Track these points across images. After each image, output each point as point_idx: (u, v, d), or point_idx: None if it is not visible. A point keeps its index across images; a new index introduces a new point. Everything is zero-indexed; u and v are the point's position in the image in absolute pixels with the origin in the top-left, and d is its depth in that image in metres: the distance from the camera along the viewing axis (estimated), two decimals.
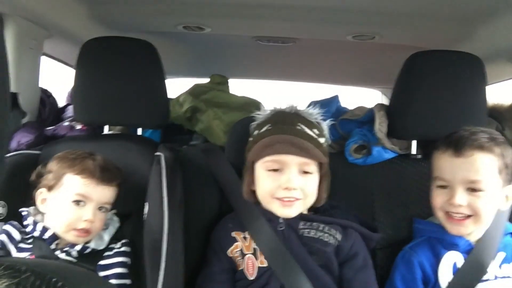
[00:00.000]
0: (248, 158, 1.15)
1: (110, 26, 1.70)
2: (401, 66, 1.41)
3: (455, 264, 1.14)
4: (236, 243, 1.15)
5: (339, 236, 1.13)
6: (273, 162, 1.10)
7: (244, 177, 1.18)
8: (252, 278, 1.11)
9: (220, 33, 1.82)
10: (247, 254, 1.13)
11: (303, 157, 1.08)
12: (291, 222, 1.13)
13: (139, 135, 1.48)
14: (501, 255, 1.15)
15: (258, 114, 1.21)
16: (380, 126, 1.39)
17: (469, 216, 1.10)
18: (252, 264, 1.12)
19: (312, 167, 1.11)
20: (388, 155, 1.39)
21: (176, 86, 2.24)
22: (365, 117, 1.49)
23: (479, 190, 1.08)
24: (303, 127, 1.11)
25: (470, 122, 1.25)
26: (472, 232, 1.14)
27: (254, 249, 1.12)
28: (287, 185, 1.08)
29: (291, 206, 1.11)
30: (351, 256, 1.13)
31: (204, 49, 2.14)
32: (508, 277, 1.13)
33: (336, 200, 1.19)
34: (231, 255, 1.14)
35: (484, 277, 1.11)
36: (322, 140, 1.14)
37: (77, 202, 1.07)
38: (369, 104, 1.57)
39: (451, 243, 1.16)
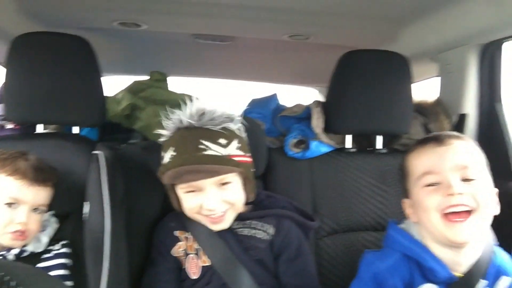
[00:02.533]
0: (164, 181, 1.11)
1: (42, 21, 1.62)
2: (334, 65, 1.49)
3: None
4: (179, 243, 1.15)
5: (272, 231, 1.15)
6: (188, 186, 1.09)
7: (169, 195, 1.16)
8: (195, 278, 1.12)
9: (158, 30, 1.80)
10: (190, 254, 1.13)
11: (214, 177, 1.07)
12: None
13: (75, 134, 1.43)
14: (482, 284, 0.97)
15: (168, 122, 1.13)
16: (317, 121, 1.46)
17: (470, 212, 0.94)
18: (195, 264, 1.13)
19: (229, 177, 1.09)
20: (325, 149, 1.46)
21: (113, 84, 2.17)
22: (303, 114, 1.55)
23: (472, 179, 0.96)
24: (208, 144, 1.05)
25: (398, 117, 1.35)
26: (472, 237, 0.95)
27: (197, 249, 1.13)
28: (208, 207, 1.08)
29: (222, 220, 1.11)
30: (284, 248, 1.16)
31: (141, 46, 2.10)
32: None
33: (279, 193, 1.23)
34: (176, 255, 1.14)
35: None
36: (232, 146, 1.08)
37: (10, 204, 1.02)
38: (307, 101, 1.63)
39: (430, 270, 0.97)
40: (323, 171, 1.43)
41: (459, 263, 0.97)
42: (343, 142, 1.51)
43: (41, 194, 1.06)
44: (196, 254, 1.13)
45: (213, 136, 1.07)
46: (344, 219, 1.39)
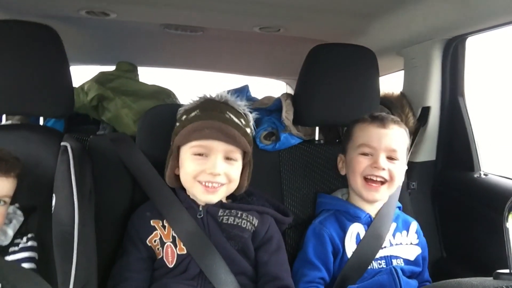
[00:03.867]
0: (175, 142, 1.14)
1: (7, 9, 1.57)
2: (304, 58, 1.51)
3: (358, 235, 1.27)
4: (155, 232, 1.15)
5: (255, 222, 1.18)
6: (199, 147, 1.11)
7: (167, 161, 1.18)
8: (171, 266, 1.12)
9: (127, 19, 1.76)
10: (167, 243, 1.14)
11: (229, 144, 1.11)
12: (210, 210, 1.16)
13: (42, 125, 1.40)
14: (393, 225, 1.32)
15: (175, 102, 1.21)
16: (287, 114, 1.48)
17: (384, 183, 1.26)
18: (171, 251, 1.13)
19: (237, 154, 1.14)
20: (295, 141, 1.48)
21: (80, 75, 2.12)
22: (273, 106, 1.57)
23: (395, 159, 1.26)
24: (231, 115, 1.13)
25: (365, 109, 1.39)
26: (380, 199, 1.30)
27: (173, 237, 1.13)
28: (212, 171, 1.10)
29: (214, 192, 1.14)
30: (266, 240, 1.19)
31: (110, 36, 2.06)
32: (400, 243, 1.31)
33: (250, 184, 1.24)
34: (150, 244, 1.14)
35: (382, 245, 1.27)
36: (248, 130, 1.18)
37: None
38: (274, 94, 1.65)
39: (354, 216, 1.30)
40: (292, 162, 1.46)
41: (373, 211, 1.31)
42: (312, 134, 1.54)
43: (4, 185, 1.03)
44: (173, 242, 1.13)
45: (236, 114, 1.16)
46: (311, 209, 1.42)
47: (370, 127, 1.29)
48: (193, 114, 1.14)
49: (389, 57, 1.82)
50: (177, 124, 1.18)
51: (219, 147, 1.11)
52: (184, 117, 1.16)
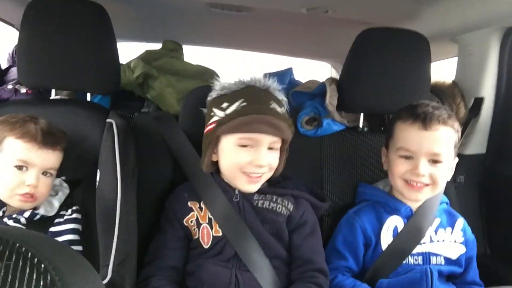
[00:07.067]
0: (218, 131, 1.11)
1: None
2: (351, 41, 1.45)
3: (396, 228, 1.23)
4: (192, 213, 1.16)
5: (290, 207, 1.17)
6: (247, 139, 1.10)
7: (205, 148, 1.16)
8: (207, 247, 1.14)
9: None
10: (203, 224, 1.15)
11: (276, 137, 1.11)
12: (246, 194, 1.16)
13: (89, 101, 1.43)
14: (436, 221, 1.26)
15: (218, 83, 1.17)
16: (331, 99, 1.44)
17: (427, 185, 1.19)
18: (207, 233, 1.14)
19: (278, 143, 1.14)
20: (337, 127, 1.45)
21: (127, 51, 2.16)
22: (316, 90, 1.53)
23: (439, 162, 1.17)
24: (275, 105, 1.11)
25: (414, 98, 1.33)
26: (423, 199, 1.24)
27: (210, 219, 1.14)
28: (259, 163, 1.10)
29: (258, 182, 1.14)
30: (301, 224, 1.19)
31: (156, 14, 2.07)
32: (443, 240, 1.25)
33: (288, 169, 1.23)
34: (187, 224, 1.16)
35: (421, 241, 1.22)
36: (287, 117, 1.16)
37: (19, 167, 1.03)
38: (318, 77, 1.61)
39: (393, 208, 1.26)
40: (334, 149, 1.43)
41: (415, 204, 1.25)
42: (356, 121, 1.50)
43: (50, 158, 1.07)
44: (209, 223, 1.15)
45: (279, 103, 1.14)
46: (351, 197, 1.40)
47: (411, 128, 1.19)
48: (237, 104, 1.10)
49: (442, 44, 1.73)
50: (215, 110, 1.13)
51: (266, 139, 1.10)
52: (225, 104, 1.11)
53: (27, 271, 0.37)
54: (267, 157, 1.11)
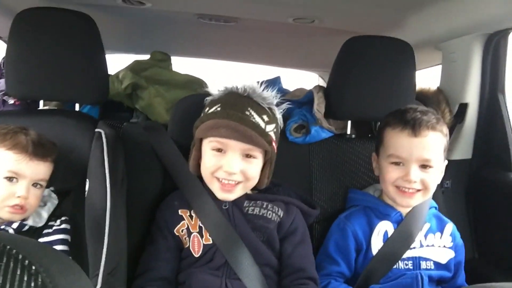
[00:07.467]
0: (196, 134, 1.14)
1: None
2: (338, 50, 1.48)
3: (386, 233, 1.24)
4: (183, 222, 1.16)
5: (281, 213, 1.17)
6: (217, 142, 1.10)
7: (191, 151, 1.18)
8: (197, 256, 1.14)
9: (161, 8, 1.78)
10: (193, 233, 1.15)
11: (246, 144, 1.10)
12: (236, 201, 1.16)
13: (77, 111, 1.43)
14: (426, 226, 1.27)
15: (207, 91, 1.20)
16: (318, 106, 1.46)
17: (418, 190, 1.20)
18: (197, 242, 1.14)
19: (257, 152, 1.13)
20: (325, 134, 1.46)
21: (115, 63, 2.16)
22: (305, 98, 1.55)
23: (430, 167, 1.19)
24: (252, 113, 1.10)
25: (399, 105, 1.35)
26: (414, 205, 1.25)
27: (200, 227, 1.14)
28: (227, 169, 1.10)
29: (231, 191, 1.14)
30: (291, 232, 1.19)
31: (145, 25, 2.08)
32: (432, 245, 1.26)
33: (277, 177, 1.24)
34: (178, 234, 1.16)
35: (412, 245, 1.23)
36: (271, 127, 1.13)
37: (10, 178, 1.03)
38: (306, 86, 1.63)
39: (384, 213, 1.27)
40: (322, 156, 1.44)
41: (405, 210, 1.26)
42: (343, 128, 1.52)
43: (40, 169, 1.07)
44: (199, 232, 1.14)
45: (259, 110, 1.12)
46: (341, 203, 1.41)
47: (400, 135, 1.19)
48: (213, 109, 1.12)
49: (426, 51, 1.76)
50: (202, 115, 1.16)
51: (236, 146, 1.09)
52: (206, 109, 1.15)
53: (18, 272, 0.37)
54: (237, 164, 1.10)
